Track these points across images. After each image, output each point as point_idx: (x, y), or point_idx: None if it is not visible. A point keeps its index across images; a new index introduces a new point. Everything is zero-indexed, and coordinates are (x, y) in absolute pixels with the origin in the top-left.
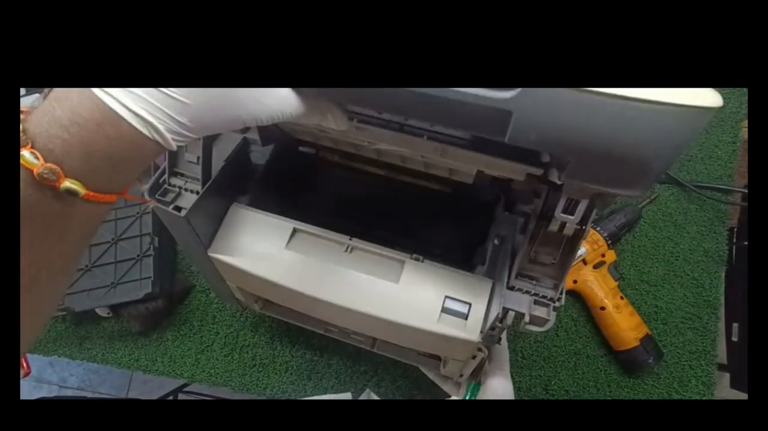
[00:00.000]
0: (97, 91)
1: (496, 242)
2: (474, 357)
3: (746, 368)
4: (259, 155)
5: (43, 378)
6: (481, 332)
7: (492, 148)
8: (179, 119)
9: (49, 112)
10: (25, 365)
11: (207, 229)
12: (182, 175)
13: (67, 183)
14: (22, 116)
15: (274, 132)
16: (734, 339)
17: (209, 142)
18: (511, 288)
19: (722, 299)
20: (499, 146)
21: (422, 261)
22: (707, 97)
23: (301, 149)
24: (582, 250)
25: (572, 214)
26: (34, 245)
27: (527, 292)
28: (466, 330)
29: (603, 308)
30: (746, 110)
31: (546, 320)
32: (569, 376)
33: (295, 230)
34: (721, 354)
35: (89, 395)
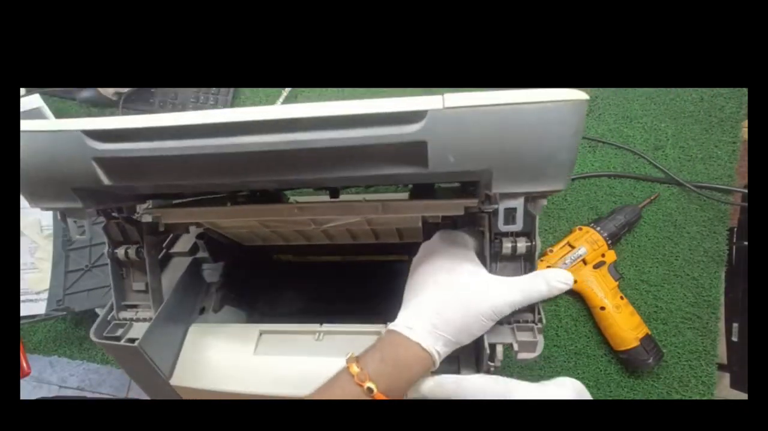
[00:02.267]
0: (416, 339)
1: None
2: None
3: (746, 368)
4: (212, 271)
5: (43, 378)
6: None
7: (424, 191)
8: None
9: (377, 357)
10: (25, 365)
11: (166, 357)
12: (132, 307)
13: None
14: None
15: (224, 245)
16: (734, 339)
17: (155, 265)
18: None
19: (722, 299)
20: (430, 190)
21: None
22: (574, 93)
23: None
24: (582, 250)
25: (514, 222)
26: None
27: (506, 322)
28: None
29: (603, 308)
30: (746, 110)
31: (535, 344)
32: (569, 376)
33: (261, 333)
34: (721, 354)
35: (89, 395)
